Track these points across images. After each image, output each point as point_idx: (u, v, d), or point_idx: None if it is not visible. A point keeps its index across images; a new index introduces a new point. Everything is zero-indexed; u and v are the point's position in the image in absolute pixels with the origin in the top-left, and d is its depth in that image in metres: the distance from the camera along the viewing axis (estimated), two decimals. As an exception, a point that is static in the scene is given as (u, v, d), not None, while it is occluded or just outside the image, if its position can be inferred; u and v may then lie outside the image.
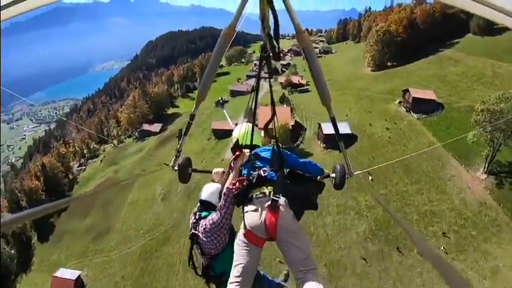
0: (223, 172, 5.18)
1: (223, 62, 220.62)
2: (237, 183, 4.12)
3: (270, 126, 4.51)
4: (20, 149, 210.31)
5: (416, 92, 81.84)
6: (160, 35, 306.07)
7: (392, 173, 61.43)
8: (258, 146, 4.83)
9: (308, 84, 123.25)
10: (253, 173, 4.17)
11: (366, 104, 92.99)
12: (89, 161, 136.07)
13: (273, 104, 4.27)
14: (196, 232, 4.62)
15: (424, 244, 1.71)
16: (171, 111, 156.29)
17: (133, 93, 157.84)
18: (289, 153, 4.60)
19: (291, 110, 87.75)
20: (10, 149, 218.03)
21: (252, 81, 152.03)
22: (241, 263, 3.82)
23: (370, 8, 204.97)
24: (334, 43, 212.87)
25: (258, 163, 4.34)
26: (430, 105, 79.51)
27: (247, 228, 3.85)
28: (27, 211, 1.52)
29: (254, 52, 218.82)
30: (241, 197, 4.07)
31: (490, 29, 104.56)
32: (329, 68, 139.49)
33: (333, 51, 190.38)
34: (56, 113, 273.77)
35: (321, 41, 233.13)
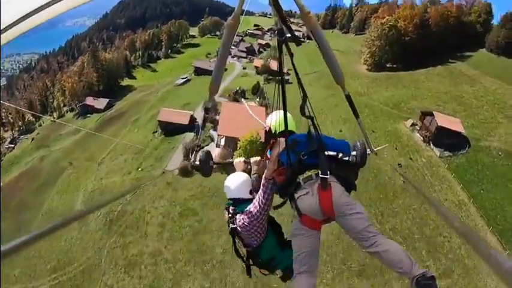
0: (244, 162, 5.00)
1: (195, 33, 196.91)
2: (279, 173, 3.91)
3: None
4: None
5: (442, 118, 59.95)
6: None
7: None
8: (293, 133, 4.42)
9: (289, 73, 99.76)
10: (294, 160, 3.93)
11: (367, 117, 69.19)
12: (21, 136, 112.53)
13: (301, 85, 3.72)
14: (235, 226, 4.27)
15: (459, 223, 1.57)
16: (125, 82, 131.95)
17: (81, 57, 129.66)
18: (323, 135, 4.17)
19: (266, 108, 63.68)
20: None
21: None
22: (304, 251, 3.72)
23: None
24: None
25: (297, 148, 4.03)
26: (455, 138, 58.94)
27: (303, 213, 3.72)
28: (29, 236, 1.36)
29: None
30: (288, 186, 3.88)
31: (507, 48, 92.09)
32: (314, 56, 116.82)
33: None
34: (18, 66, 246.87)
35: (303, 25, 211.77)
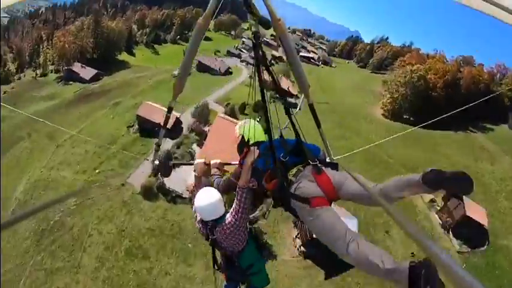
0: (205, 163, 4.99)
1: (210, 26, 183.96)
2: (267, 180, 4.03)
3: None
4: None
5: (471, 206, 48.43)
6: None
7: None
8: (263, 141, 4.51)
9: (298, 97, 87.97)
10: (279, 160, 4.02)
11: (381, 178, 56.01)
12: None
13: (279, 87, 3.92)
14: (215, 237, 4.32)
15: (408, 223, 1.48)
16: (122, 57, 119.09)
17: (82, 18, 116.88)
18: (289, 139, 4.37)
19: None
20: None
21: (231, 61, 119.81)
22: (332, 224, 3.53)
23: (387, 38, 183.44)
24: (335, 57, 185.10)
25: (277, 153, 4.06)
26: (475, 230, 47.44)
27: (310, 197, 3.66)
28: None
29: (248, 29, 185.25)
30: (283, 187, 3.88)
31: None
32: (327, 83, 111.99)
33: (333, 65, 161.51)
34: (31, 9, 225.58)
35: (321, 48, 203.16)
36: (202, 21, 2.65)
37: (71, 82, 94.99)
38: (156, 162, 5.03)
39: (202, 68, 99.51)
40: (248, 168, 4.04)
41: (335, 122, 72.00)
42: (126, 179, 46.66)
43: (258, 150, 4.19)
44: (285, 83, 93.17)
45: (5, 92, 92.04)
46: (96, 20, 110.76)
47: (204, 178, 4.97)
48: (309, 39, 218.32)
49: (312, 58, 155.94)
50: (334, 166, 4.23)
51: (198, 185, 4.87)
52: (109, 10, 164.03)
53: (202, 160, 5.03)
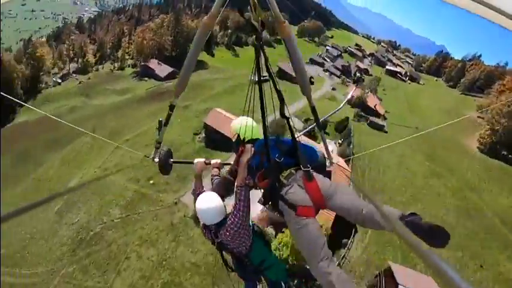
0: (205, 163, 5.09)
1: (293, 30, 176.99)
2: (259, 179, 4.02)
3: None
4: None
5: None
6: None
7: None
8: (258, 139, 4.49)
9: (385, 117, 78.87)
10: (273, 160, 3.98)
11: (474, 235, 44.00)
12: (74, 75, 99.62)
13: (276, 89, 3.75)
14: (220, 240, 4.30)
15: (409, 234, 1.45)
16: (200, 57, 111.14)
17: (162, 15, 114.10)
18: (286, 139, 4.33)
19: (348, 161, 44.93)
20: (55, 18, 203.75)
21: (313, 70, 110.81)
22: (311, 239, 3.61)
23: (480, 56, 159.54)
24: (422, 72, 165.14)
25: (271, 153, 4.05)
26: None
27: (297, 205, 3.68)
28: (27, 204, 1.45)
29: (332, 37, 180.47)
30: (274, 188, 3.91)
31: None
32: (415, 103, 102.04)
33: (421, 82, 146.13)
34: (123, 6, 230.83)
35: (407, 62, 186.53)
36: (208, 20, 2.62)
37: (146, 78, 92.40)
38: (156, 159, 4.80)
39: (283, 75, 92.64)
40: (244, 166, 3.99)
41: (426, 153, 62.50)
42: (180, 196, 41.09)
43: (253, 149, 4.11)
44: (371, 101, 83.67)
45: (80, 82, 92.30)
46: (176, 18, 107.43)
47: (206, 181, 4.81)
48: (395, 52, 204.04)
49: (399, 73, 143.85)
50: (327, 173, 4.13)
51: (198, 184, 4.79)
52: (193, 10, 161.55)
53: (203, 159, 5.09)
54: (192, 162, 5.16)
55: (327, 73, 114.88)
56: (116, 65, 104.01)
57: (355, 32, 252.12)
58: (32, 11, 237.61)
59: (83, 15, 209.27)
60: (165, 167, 4.96)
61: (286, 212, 3.77)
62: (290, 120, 3.88)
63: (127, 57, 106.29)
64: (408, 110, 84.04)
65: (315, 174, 3.80)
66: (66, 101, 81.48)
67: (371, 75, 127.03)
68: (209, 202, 4.28)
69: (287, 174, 3.89)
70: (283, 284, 4.95)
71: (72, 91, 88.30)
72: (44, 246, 36.63)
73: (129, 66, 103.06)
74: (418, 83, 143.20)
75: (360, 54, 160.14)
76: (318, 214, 3.82)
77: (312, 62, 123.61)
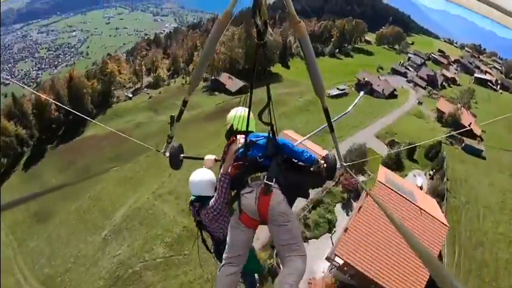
0: (215, 159, 4.98)
1: (371, 39, 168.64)
2: (233, 168, 4.03)
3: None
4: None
5: None
6: None
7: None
8: (252, 132, 4.33)
9: (481, 138, 66.60)
10: (249, 158, 3.97)
11: None
12: (145, 89, 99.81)
13: (268, 91, 3.85)
14: (200, 219, 4.51)
15: (417, 243, 1.63)
16: (275, 69, 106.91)
17: (233, 28, 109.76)
18: (286, 141, 4.29)
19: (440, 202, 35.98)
20: (138, 35, 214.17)
21: (396, 81, 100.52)
22: (234, 244, 3.77)
23: None
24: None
25: (254, 149, 4.05)
26: None
27: (242, 210, 3.74)
28: (27, 195, 1.56)
29: (413, 44, 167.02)
30: (237, 182, 3.92)
31: None
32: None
33: None
34: (199, 21, 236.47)
35: (495, 67, 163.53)
36: (223, 18, 2.61)
37: (216, 92, 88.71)
38: (167, 154, 4.67)
39: (364, 87, 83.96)
40: (230, 156, 4.04)
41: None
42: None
43: (242, 140, 4.07)
44: (466, 118, 71.58)
45: (150, 97, 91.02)
46: (247, 31, 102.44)
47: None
48: (481, 57, 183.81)
49: (490, 81, 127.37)
50: (299, 194, 4.11)
51: None
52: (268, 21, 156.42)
53: (213, 156, 5.00)
54: (202, 159, 4.98)
55: (411, 84, 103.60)
56: (187, 79, 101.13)
57: (436, 37, 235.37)
58: (116, 28, 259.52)
59: (163, 31, 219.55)
60: (175, 161, 4.71)
61: (235, 209, 3.80)
62: (274, 126, 3.88)
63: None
64: (506, 128, 70.54)
65: (276, 191, 3.61)
66: (134, 116, 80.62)
67: (459, 84, 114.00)
68: (201, 175, 4.49)
69: (254, 177, 3.73)
70: (256, 276, 5.06)
71: (141, 106, 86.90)
72: (83, 275, 34.08)
73: (201, 81, 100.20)
74: (511, 92, 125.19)
75: (444, 61, 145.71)
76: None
77: (394, 72, 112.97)
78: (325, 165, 4.26)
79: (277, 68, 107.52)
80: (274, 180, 3.67)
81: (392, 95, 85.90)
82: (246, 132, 4.03)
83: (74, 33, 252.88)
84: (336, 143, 4.29)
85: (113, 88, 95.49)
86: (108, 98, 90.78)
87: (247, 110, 4.08)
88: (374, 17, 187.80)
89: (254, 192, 3.66)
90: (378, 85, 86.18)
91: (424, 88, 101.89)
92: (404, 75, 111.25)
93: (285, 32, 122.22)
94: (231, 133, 4.32)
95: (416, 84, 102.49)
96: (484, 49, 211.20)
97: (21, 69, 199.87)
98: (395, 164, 42.12)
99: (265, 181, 3.64)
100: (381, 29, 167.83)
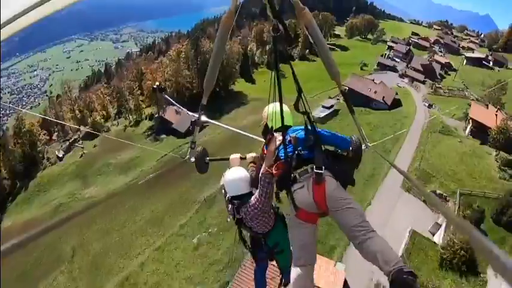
0: (241, 158, 4.64)
1: (340, 32, 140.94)
2: (277, 167, 3.65)
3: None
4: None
5: None
6: None
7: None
8: (290, 126, 4.05)
9: None
10: (291, 154, 3.66)
11: None
12: (81, 142, 71.30)
13: (296, 80, 3.49)
14: (240, 217, 4.18)
15: (458, 218, 1.59)
16: (238, 87, 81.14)
17: (176, 45, 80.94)
18: (320, 129, 3.88)
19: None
20: (101, 65, 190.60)
21: (388, 79, 73.52)
22: (300, 244, 3.47)
23: None
24: (499, 52, 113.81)
25: (297, 144, 3.77)
26: None
27: (299, 206, 3.44)
28: (31, 234, 1.47)
29: (385, 34, 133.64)
30: (284, 180, 3.60)
31: None
32: None
33: (510, 66, 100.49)
34: (158, 42, 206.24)
35: (474, 42, 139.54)
36: (227, 18, 2.45)
37: (163, 135, 62.33)
38: (192, 159, 4.32)
39: (356, 99, 56.14)
40: (271, 154, 3.71)
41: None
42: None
43: (280, 137, 3.74)
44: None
45: (82, 155, 65.07)
46: (194, 46, 74.59)
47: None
48: (455, 33, 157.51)
49: (484, 59, 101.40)
50: (347, 179, 3.67)
51: None
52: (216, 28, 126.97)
53: (238, 155, 4.63)
54: (227, 159, 4.61)
55: (406, 80, 77.16)
56: (131, 118, 73.88)
57: (401, 20, 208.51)
58: (77, 61, 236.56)
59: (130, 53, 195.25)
60: (201, 166, 4.42)
61: (290, 208, 3.51)
62: (310, 114, 3.54)
63: (144, 105, 74.19)
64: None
65: (328, 178, 3.34)
66: (59, 189, 55.75)
67: (455, 69, 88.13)
68: (236, 174, 4.20)
69: (302, 170, 3.45)
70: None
71: (70, 171, 60.93)
72: None
73: (146, 118, 71.79)
74: (507, 67, 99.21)
75: (426, 44, 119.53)
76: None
77: (382, 67, 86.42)
78: (351, 148, 3.84)
79: (240, 85, 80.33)
80: (323, 168, 3.34)
81: (396, 102, 59.02)
82: (283, 129, 3.65)
83: (35, 73, 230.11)
84: (358, 125, 4.07)
85: (42, 147, 68.16)
86: (34, 164, 64.62)
87: (284, 107, 3.82)
88: (336, 9, 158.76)
89: (305, 185, 3.36)
90: (375, 91, 59.60)
91: (423, 82, 75.61)
92: (394, 69, 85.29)
93: (244, 40, 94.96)
94: (268, 131, 3.87)
95: (413, 79, 75.86)
96: (451, 24, 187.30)
97: None
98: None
99: (315, 170, 3.33)
100: (349, 20, 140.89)
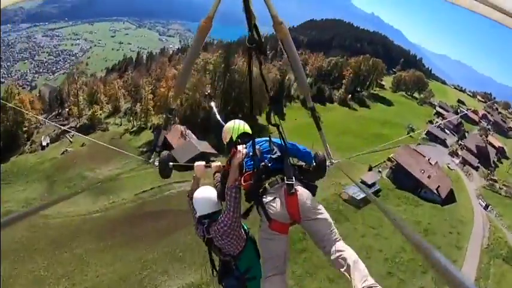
0: (205, 166, 4.45)
1: (386, 83, 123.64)
2: (245, 179, 3.60)
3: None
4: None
5: None
6: (326, 19, 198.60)
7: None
8: (250, 135, 3.99)
9: None
10: (258, 165, 3.58)
11: None
12: (71, 133, 58.84)
13: (267, 90, 3.64)
14: (210, 236, 3.89)
15: (410, 232, 1.40)
16: (264, 119, 64.07)
17: (206, 55, 68.05)
18: (289, 142, 3.86)
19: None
20: (141, 52, 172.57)
21: (435, 153, 59.81)
22: (273, 255, 3.39)
23: None
24: None
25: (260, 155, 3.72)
26: None
27: (272, 218, 3.35)
28: (29, 209, 1.59)
29: (434, 96, 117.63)
30: (254, 192, 3.53)
31: None
32: None
33: None
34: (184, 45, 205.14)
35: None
36: (205, 23, 2.32)
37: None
38: (156, 163, 4.20)
39: (402, 179, 42.46)
40: (235, 167, 3.56)
41: None
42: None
43: (245, 150, 3.66)
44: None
45: (64, 152, 54.39)
46: (227, 58, 61.69)
47: (202, 181, 4.38)
48: (499, 109, 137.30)
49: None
50: (313, 188, 3.60)
51: (195, 186, 4.25)
52: (267, 52, 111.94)
53: (203, 163, 4.42)
54: (192, 166, 4.38)
55: (457, 160, 62.67)
56: (135, 123, 61.72)
57: (444, 83, 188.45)
58: (120, 42, 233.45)
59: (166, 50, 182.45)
60: (165, 170, 4.21)
61: (262, 220, 3.45)
62: (280, 127, 3.50)
63: (153, 112, 61.19)
64: None
65: (300, 189, 3.32)
66: (20, 190, 44.75)
67: (508, 157, 73.58)
68: (205, 193, 3.95)
69: (271, 181, 3.42)
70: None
71: (43, 167, 49.66)
72: None
73: (151, 128, 58.84)
74: None
75: (475, 117, 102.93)
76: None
77: (431, 137, 71.58)
78: (314, 162, 3.86)
79: (264, 117, 66.33)
80: (294, 178, 3.34)
81: (450, 197, 44.69)
82: (253, 139, 3.51)
83: (77, 41, 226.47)
84: (324, 142, 3.92)
85: (29, 127, 56.80)
86: (14, 143, 54.63)
87: (242, 121, 3.99)
88: (384, 57, 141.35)
89: (277, 197, 3.32)
90: (429, 176, 45.22)
91: (477, 168, 61.08)
92: (444, 142, 70.84)
93: (284, 67, 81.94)
94: (231, 145, 3.88)
95: (465, 162, 61.20)
96: (494, 98, 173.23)
97: (19, 70, 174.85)
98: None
99: (287, 181, 3.30)
100: (398, 72, 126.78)
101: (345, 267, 2.86)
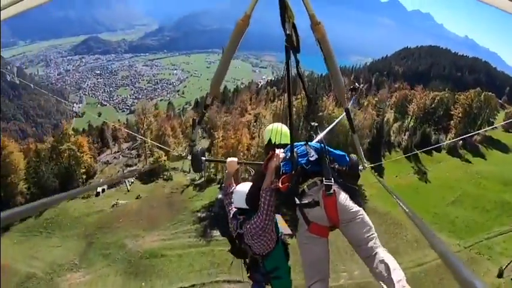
0: (238, 162, 4.45)
1: (501, 115, 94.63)
2: (282, 182, 3.47)
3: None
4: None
5: None
6: (422, 46, 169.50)
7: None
8: (287, 145, 3.90)
9: None
10: (298, 167, 3.53)
11: None
12: (131, 179, 50.48)
13: (307, 93, 3.66)
14: (242, 232, 3.87)
15: (436, 239, 1.37)
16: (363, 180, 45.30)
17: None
18: (322, 145, 3.82)
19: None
20: (234, 83, 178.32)
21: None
22: (314, 260, 3.26)
23: None
24: None
25: (297, 158, 3.64)
26: None
27: (310, 220, 3.30)
28: (27, 206, 1.61)
29: None
30: (292, 194, 3.43)
31: None
32: None
33: None
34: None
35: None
36: (242, 21, 2.18)
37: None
38: (189, 157, 4.31)
39: None
40: (272, 170, 3.52)
41: None
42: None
43: (283, 154, 3.63)
44: None
45: (114, 205, 44.24)
46: (310, 99, 48.19)
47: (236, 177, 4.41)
48: None
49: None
50: (352, 190, 3.52)
51: (228, 182, 4.33)
52: (360, 83, 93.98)
53: (236, 159, 4.42)
54: (224, 161, 4.45)
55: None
56: (203, 172, 49.74)
57: None
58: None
59: (259, 82, 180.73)
60: (197, 164, 4.33)
61: (300, 223, 3.37)
62: (317, 128, 3.52)
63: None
64: None
65: (338, 190, 3.26)
66: (52, 251, 35.57)
67: None
68: (246, 187, 3.89)
69: (310, 183, 3.36)
70: None
71: (86, 222, 39.92)
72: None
73: (218, 183, 47.35)
74: None
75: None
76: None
77: None
78: (348, 165, 3.76)
79: (364, 175, 50.36)
80: (332, 180, 3.25)
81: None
82: (292, 143, 3.43)
83: (175, 71, 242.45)
84: (358, 146, 3.89)
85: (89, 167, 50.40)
86: (70, 184, 47.19)
87: (282, 124, 3.91)
88: (491, 88, 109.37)
89: (316, 198, 3.25)
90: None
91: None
92: None
93: (381, 104, 66.29)
94: (269, 148, 3.88)
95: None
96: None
97: (120, 95, 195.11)
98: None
99: (325, 182, 3.22)
100: (507, 105, 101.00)
101: (385, 280, 2.67)
